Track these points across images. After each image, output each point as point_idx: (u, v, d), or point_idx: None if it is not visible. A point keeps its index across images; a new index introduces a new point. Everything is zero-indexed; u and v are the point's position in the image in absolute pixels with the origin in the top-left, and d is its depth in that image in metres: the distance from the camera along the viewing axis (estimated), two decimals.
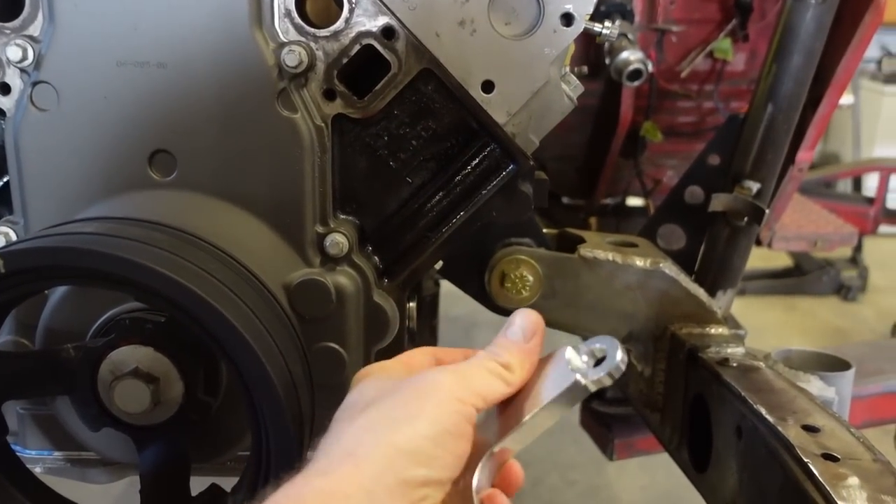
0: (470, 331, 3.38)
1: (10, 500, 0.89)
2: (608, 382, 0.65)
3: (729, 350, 1.09)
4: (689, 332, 1.14)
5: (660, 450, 1.28)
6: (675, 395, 1.14)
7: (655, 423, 1.20)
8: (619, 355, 0.65)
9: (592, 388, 0.65)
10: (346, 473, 0.59)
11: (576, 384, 0.65)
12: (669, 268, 1.14)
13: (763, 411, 0.89)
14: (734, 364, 1.04)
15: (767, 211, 1.29)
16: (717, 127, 1.82)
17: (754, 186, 1.32)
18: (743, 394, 0.94)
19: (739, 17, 1.76)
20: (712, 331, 1.15)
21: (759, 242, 1.73)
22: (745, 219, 1.34)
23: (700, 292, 1.16)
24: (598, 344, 0.66)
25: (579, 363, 0.66)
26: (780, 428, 0.84)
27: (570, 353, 0.67)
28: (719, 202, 1.34)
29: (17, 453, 0.94)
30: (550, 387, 0.67)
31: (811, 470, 0.77)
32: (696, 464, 1.08)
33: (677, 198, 1.45)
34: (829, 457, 0.80)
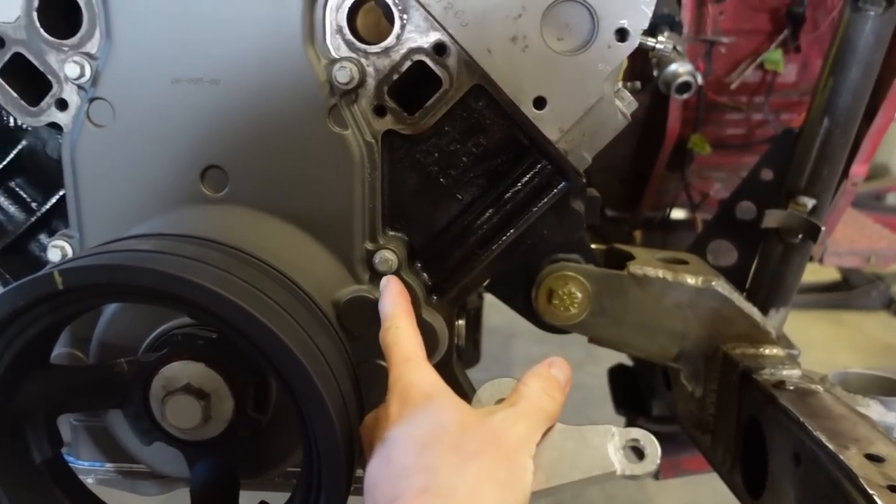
0: (509, 341, 3.36)
1: None
2: (642, 479, 0.74)
3: (784, 372, 1.06)
4: (742, 352, 1.11)
5: (707, 469, 1.25)
6: (727, 417, 1.12)
7: (706, 444, 1.18)
8: (659, 455, 0.74)
9: (623, 479, 0.74)
10: None
11: (613, 473, 0.74)
12: (722, 286, 1.12)
13: (823, 438, 0.86)
14: (790, 387, 1.01)
15: (823, 228, 1.26)
16: (767, 139, 1.79)
17: (809, 202, 1.29)
18: (801, 419, 0.91)
19: (791, 28, 1.72)
20: (766, 351, 1.12)
21: (810, 258, 1.69)
22: (800, 236, 1.31)
23: (754, 311, 1.14)
24: (642, 441, 0.75)
25: (613, 451, 0.74)
26: (842, 457, 0.82)
27: (612, 445, 0.74)
28: (773, 218, 1.31)
29: (70, 464, 0.95)
30: (581, 461, 0.74)
31: (877, 502, 0.75)
32: (750, 489, 1.05)
33: (728, 213, 1.42)
34: (895, 489, 0.77)
